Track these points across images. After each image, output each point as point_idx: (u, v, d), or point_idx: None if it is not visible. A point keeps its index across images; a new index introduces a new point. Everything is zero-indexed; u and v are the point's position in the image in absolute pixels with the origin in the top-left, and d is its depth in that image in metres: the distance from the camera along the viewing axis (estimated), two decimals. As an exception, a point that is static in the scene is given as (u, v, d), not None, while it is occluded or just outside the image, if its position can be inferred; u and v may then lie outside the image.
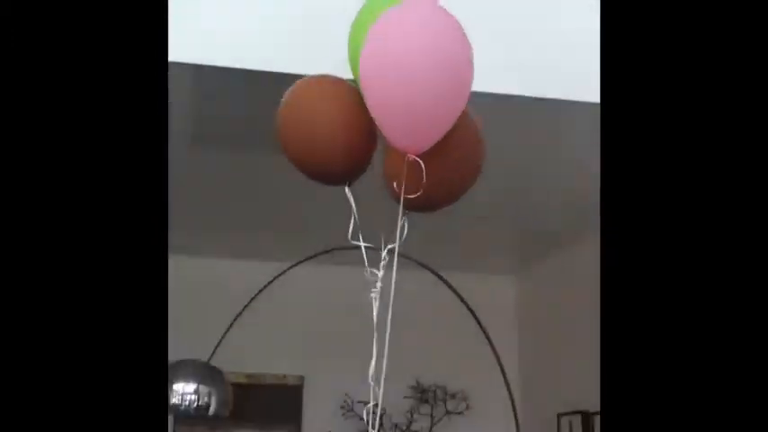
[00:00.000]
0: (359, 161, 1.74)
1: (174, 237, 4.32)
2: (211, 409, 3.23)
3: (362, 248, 1.73)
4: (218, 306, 3.77)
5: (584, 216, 3.60)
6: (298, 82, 1.85)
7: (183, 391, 3.21)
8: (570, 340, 4.11)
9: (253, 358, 4.45)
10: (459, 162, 1.73)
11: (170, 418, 4.24)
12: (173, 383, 3.21)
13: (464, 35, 1.61)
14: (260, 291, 3.50)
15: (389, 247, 1.70)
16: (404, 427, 4.47)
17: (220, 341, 3.53)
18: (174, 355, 3.23)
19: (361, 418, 3.64)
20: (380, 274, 1.69)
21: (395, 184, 1.67)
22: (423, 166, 1.59)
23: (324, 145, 1.73)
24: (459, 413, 4.48)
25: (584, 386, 3.86)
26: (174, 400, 3.21)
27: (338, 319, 4.59)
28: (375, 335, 1.67)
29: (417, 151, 1.61)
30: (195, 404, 3.22)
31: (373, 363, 1.69)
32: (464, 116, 1.70)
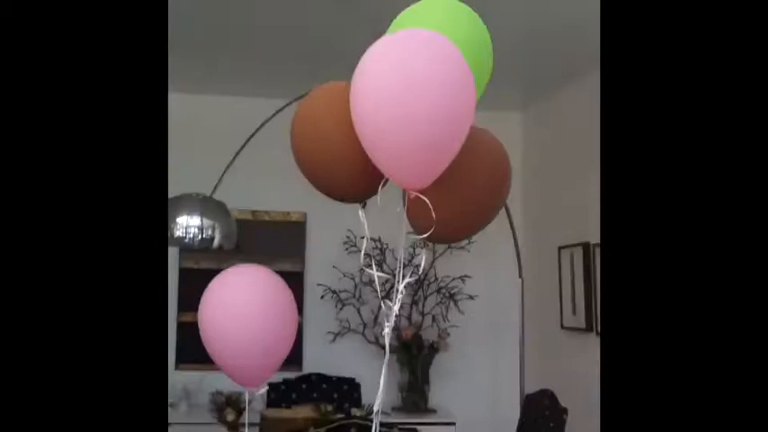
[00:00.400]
0: (372, 181, 1.59)
1: (177, 73, 4.25)
2: (215, 242, 3.24)
3: (375, 278, 1.64)
4: (221, 143, 3.73)
5: (590, 53, 3.49)
6: (311, 92, 1.71)
7: (187, 224, 3.20)
8: (573, 176, 4.09)
9: (256, 197, 4.46)
10: (473, 192, 1.59)
11: (175, 252, 4.31)
12: (176, 216, 3.20)
13: (463, 65, 1.42)
14: (261, 125, 3.44)
15: (407, 280, 1.59)
16: (405, 262, 4.55)
17: (222, 176, 3.51)
18: (176, 191, 3.25)
19: (367, 254, 3.70)
20: (396, 306, 1.61)
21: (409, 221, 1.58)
22: (428, 203, 1.44)
23: (337, 165, 1.61)
24: (461, 247, 4.54)
25: (585, 220, 3.90)
26: (178, 233, 3.21)
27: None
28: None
29: (418, 188, 1.46)
30: (199, 237, 3.22)
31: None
32: (478, 142, 1.56)
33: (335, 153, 1.60)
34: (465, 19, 1.58)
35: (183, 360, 4.29)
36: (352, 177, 1.61)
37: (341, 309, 4.39)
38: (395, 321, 4.54)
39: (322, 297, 4.38)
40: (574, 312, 4.00)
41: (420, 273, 1.65)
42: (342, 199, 1.72)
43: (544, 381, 3.76)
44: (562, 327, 4.13)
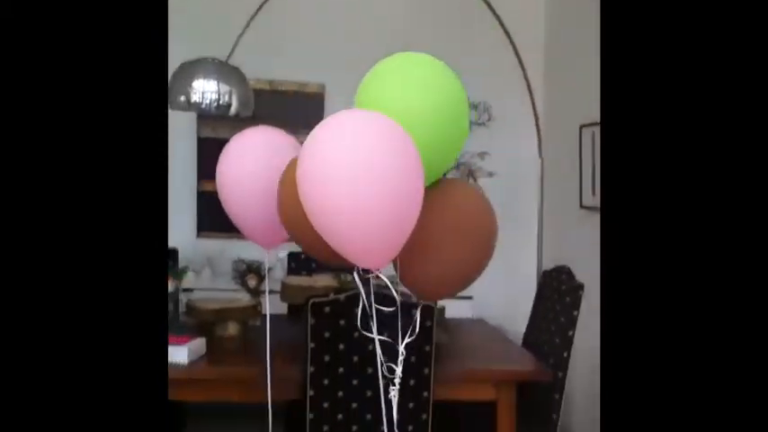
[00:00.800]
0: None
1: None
2: (232, 109, 3.18)
3: (377, 341, 1.60)
4: (237, 7, 3.61)
5: None
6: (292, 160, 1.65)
7: (204, 89, 3.13)
8: (598, 52, 3.95)
9: (272, 67, 4.36)
10: (463, 252, 1.58)
11: (193, 120, 4.27)
12: (192, 81, 3.13)
13: (409, 146, 1.38)
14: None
15: (407, 340, 1.60)
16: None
17: (238, 39, 3.42)
18: (191, 55, 3.17)
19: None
20: (399, 370, 1.59)
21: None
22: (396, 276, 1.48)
23: (315, 245, 1.55)
24: (481, 124, 4.47)
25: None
26: (195, 97, 3.14)
27: (359, 27, 4.45)
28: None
29: (376, 268, 1.46)
30: (216, 102, 3.16)
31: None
32: (465, 202, 1.57)
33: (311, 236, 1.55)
34: (441, 76, 1.58)
35: (203, 228, 4.35)
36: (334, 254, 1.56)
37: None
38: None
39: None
40: (593, 192, 3.98)
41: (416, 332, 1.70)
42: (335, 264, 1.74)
43: (561, 258, 3.79)
44: (581, 206, 4.12)
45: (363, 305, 1.57)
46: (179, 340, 2.57)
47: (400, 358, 1.58)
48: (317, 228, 1.44)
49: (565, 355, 2.92)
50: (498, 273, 4.62)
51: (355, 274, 1.56)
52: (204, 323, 2.84)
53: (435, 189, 1.57)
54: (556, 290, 3.13)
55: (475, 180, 4.46)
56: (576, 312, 2.94)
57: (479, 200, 1.64)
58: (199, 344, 2.61)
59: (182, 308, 3.10)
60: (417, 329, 1.67)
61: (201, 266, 4.14)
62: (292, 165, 1.72)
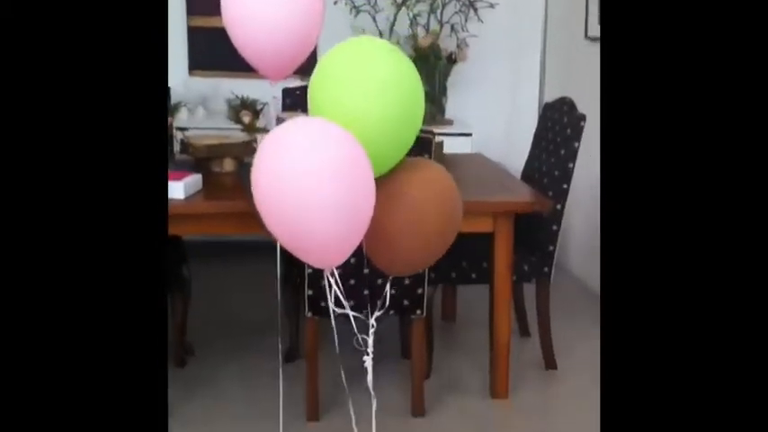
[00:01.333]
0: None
1: None
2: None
3: (350, 316, 1.66)
4: None
5: None
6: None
7: None
8: None
9: None
10: (427, 228, 1.60)
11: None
12: None
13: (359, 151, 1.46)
14: None
15: (376, 315, 1.70)
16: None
17: None
18: None
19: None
20: (370, 341, 1.67)
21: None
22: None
23: None
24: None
25: None
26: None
27: None
28: None
29: (332, 266, 1.55)
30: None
31: None
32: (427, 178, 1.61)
33: None
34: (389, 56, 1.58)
35: (196, 66, 4.24)
36: None
37: (356, 15, 4.23)
38: (411, 29, 4.29)
39: (335, 3, 4.18)
40: (599, 22, 3.82)
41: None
42: None
43: (564, 90, 3.70)
44: (586, 36, 3.97)
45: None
46: (175, 176, 2.55)
47: (371, 331, 1.67)
48: (273, 231, 1.53)
49: (564, 186, 2.90)
50: (498, 107, 4.58)
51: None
52: (200, 160, 2.81)
53: (392, 177, 1.62)
54: (557, 122, 3.07)
55: (476, 12, 4.28)
56: (576, 144, 2.90)
57: (438, 183, 1.67)
58: (195, 180, 2.59)
59: (177, 146, 3.06)
60: (387, 302, 1.79)
61: (195, 105, 4.07)
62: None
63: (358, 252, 1.62)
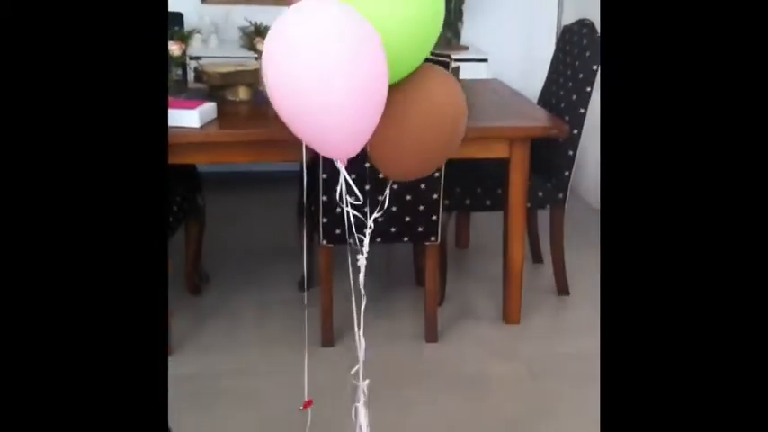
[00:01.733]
0: None
1: None
2: None
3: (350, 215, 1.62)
4: None
5: None
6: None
7: None
8: None
9: None
10: (415, 147, 1.57)
11: None
12: None
13: (375, 46, 1.40)
14: None
15: (375, 216, 1.68)
16: None
17: None
18: None
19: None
20: (365, 249, 1.64)
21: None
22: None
23: None
24: None
25: None
26: None
27: None
28: None
29: (342, 158, 1.53)
30: None
31: None
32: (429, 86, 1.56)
33: None
34: None
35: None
36: None
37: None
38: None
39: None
40: None
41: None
42: None
43: (583, 12, 3.61)
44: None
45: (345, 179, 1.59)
46: (189, 104, 2.54)
47: (368, 231, 1.65)
48: (283, 117, 1.47)
49: (581, 111, 2.87)
50: (515, 32, 4.49)
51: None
52: (214, 88, 2.79)
53: (405, 82, 1.57)
54: (576, 45, 3.00)
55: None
56: (595, 67, 2.84)
57: (447, 94, 1.64)
58: (209, 108, 2.58)
59: (191, 75, 3.04)
60: (386, 205, 1.76)
61: (208, 34, 4.02)
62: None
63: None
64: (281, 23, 1.42)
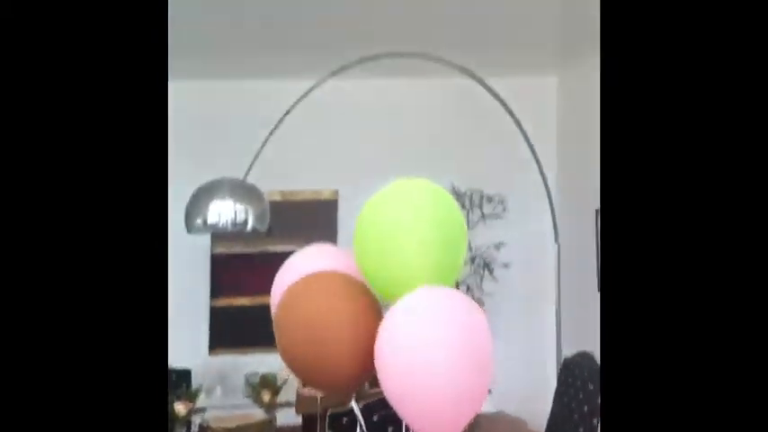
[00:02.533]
0: (368, 366, 1.56)
1: (201, 60, 4.22)
2: (249, 225, 3.24)
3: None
4: (251, 127, 3.66)
5: None
6: (295, 282, 1.69)
7: (220, 210, 3.20)
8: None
9: (287, 176, 4.46)
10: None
11: (206, 238, 4.36)
12: (208, 203, 3.21)
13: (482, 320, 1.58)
14: (293, 105, 3.41)
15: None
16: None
17: (255, 159, 3.47)
18: (210, 177, 3.25)
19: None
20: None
21: None
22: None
23: (330, 349, 1.56)
24: (496, 216, 4.50)
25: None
26: (211, 219, 3.22)
27: (370, 133, 4.55)
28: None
29: None
30: (232, 221, 3.21)
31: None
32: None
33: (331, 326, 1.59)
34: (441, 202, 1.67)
35: (216, 345, 4.35)
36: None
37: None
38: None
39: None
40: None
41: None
42: (334, 390, 1.81)
43: (582, 344, 3.72)
44: (600, 289, 4.07)
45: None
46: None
47: None
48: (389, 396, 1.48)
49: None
50: (517, 363, 4.54)
51: (353, 403, 1.60)
52: (219, 443, 2.81)
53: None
54: (578, 377, 3.06)
55: (491, 273, 4.45)
56: (599, 400, 2.87)
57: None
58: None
59: (195, 429, 3.07)
60: None
61: (213, 385, 4.11)
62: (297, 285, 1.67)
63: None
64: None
